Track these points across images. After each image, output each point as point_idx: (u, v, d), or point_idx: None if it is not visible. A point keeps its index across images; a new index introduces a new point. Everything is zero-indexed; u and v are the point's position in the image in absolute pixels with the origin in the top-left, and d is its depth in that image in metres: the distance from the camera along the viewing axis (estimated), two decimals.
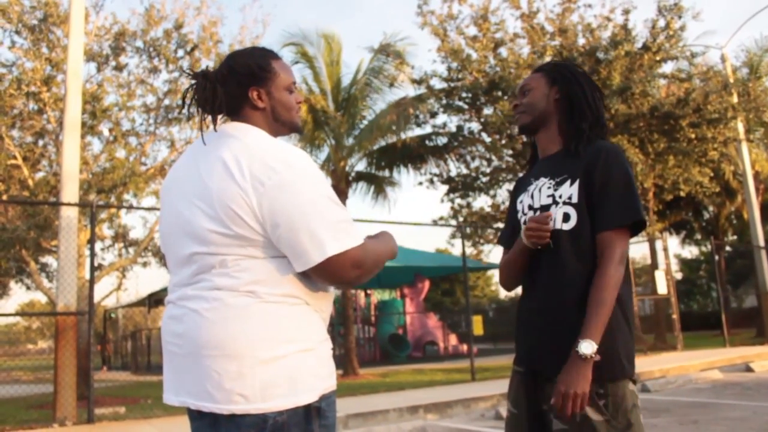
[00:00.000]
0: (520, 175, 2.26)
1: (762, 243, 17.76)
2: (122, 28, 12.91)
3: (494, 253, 38.22)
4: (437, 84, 14.86)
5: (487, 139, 15.50)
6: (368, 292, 22.75)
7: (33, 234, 11.56)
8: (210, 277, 1.51)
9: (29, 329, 59.22)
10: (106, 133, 13.20)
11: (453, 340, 21.99)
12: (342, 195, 13.50)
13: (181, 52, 13.11)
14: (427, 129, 16.09)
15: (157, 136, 13.76)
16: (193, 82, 1.65)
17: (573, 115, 2.00)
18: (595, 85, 2.06)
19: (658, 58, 13.91)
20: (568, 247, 1.87)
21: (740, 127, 16.30)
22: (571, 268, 1.86)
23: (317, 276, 1.52)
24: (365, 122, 14.43)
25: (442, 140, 16.12)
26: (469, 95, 14.60)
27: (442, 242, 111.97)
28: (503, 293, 42.79)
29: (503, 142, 14.96)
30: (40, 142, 12.87)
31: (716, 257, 19.60)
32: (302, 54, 14.45)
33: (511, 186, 15.79)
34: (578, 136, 1.97)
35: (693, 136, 14.04)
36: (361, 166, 15.57)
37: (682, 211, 21.79)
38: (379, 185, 15.93)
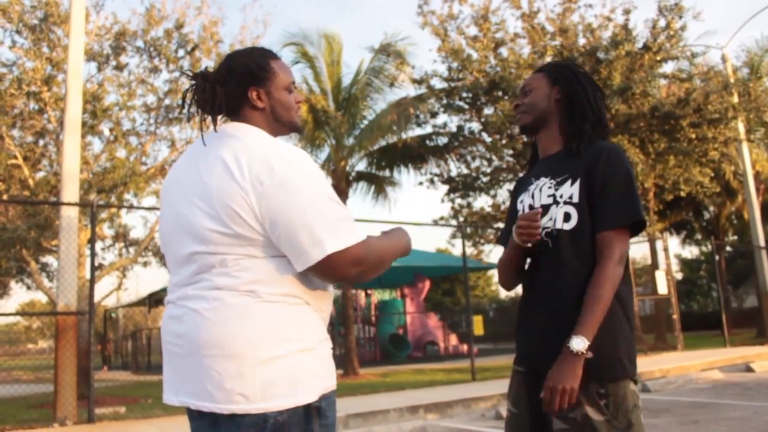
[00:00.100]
0: (521, 175, 2.26)
1: (762, 243, 17.75)
2: (123, 28, 12.92)
3: (494, 253, 38.21)
4: (438, 84, 14.88)
5: (488, 139, 15.50)
6: (368, 292, 22.75)
7: (33, 234, 11.57)
8: (210, 277, 1.51)
9: (30, 329, 59.23)
10: (106, 132, 13.21)
11: (453, 340, 21.99)
12: (342, 195, 13.50)
13: (181, 52, 13.11)
14: (428, 129, 16.11)
15: (158, 136, 13.78)
16: (192, 82, 1.65)
17: (574, 115, 2.00)
18: (597, 85, 2.06)
19: (658, 58, 13.91)
20: (568, 247, 1.87)
21: (741, 127, 16.30)
22: (571, 268, 1.85)
23: (318, 274, 1.52)
24: (366, 122, 14.43)
25: (442, 140, 16.13)
26: (470, 95, 14.59)
27: (442, 242, 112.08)
28: (503, 293, 42.83)
29: (504, 142, 14.96)
30: (41, 142, 12.87)
31: (717, 257, 19.61)
32: (303, 54, 14.46)
33: (511, 186, 15.77)
34: (579, 135, 1.97)
35: (693, 136, 14.03)
36: (361, 165, 15.59)
37: (683, 211, 21.79)
38: (379, 185, 15.93)
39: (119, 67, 13.12)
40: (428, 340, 21.33)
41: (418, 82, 14.78)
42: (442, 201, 16.89)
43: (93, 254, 8.29)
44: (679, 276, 36.77)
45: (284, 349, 1.47)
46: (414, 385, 10.25)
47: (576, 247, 1.86)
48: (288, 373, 1.46)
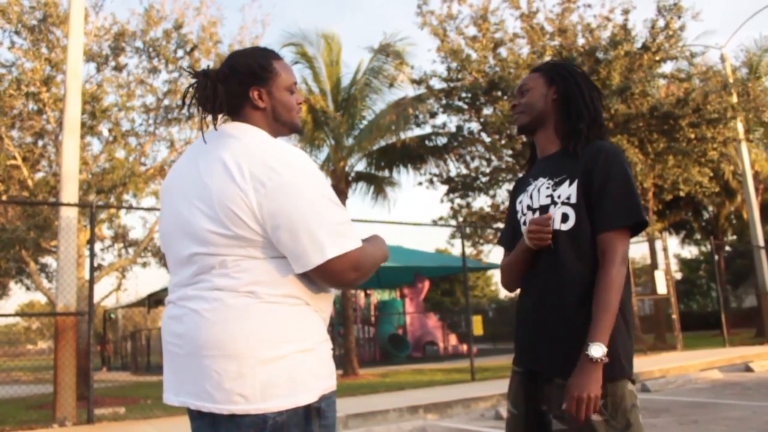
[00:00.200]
0: (520, 175, 2.26)
1: (761, 243, 17.76)
2: (122, 29, 12.91)
3: (494, 253, 38.27)
4: (437, 84, 14.88)
5: (487, 139, 15.51)
6: (368, 292, 22.75)
7: (33, 234, 11.56)
8: (210, 278, 1.51)
9: (29, 330, 59.22)
10: (105, 133, 13.20)
11: (453, 340, 21.99)
12: (342, 195, 13.50)
13: (180, 53, 13.11)
14: (427, 129, 16.12)
15: (157, 137, 13.77)
16: (193, 81, 1.65)
17: (570, 114, 2.00)
18: (594, 85, 2.06)
19: (657, 58, 13.91)
20: (566, 248, 1.87)
21: (740, 127, 16.30)
22: (570, 268, 1.86)
23: (317, 277, 1.52)
24: (365, 122, 14.43)
25: (441, 140, 16.13)
26: (469, 95, 14.60)
27: (441, 242, 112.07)
28: (503, 293, 42.83)
29: (503, 142, 14.96)
30: (40, 143, 12.87)
31: (716, 257, 19.61)
32: (302, 54, 14.46)
33: (510, 186, 15.79)
34: (576, 136, 1.97)
35: (692, 136, 14.04)
36: (360, 166, 15.60)
37: (682, 211, 21.79)
38: (378, 185, 15.94)
39: (118, 68, 13.11)
40: (428, 340, 21.33)
41: (417, 82, 14.78)
42: (442, 201, 16.89)
43: (92, 255, 8.29)
44: (678, 276, 36.78)
45: (284, 349, 1.47)
46: (413, 385, 10.26)
47: (574, 247, 1.86)
48: (288, 374, 1.46)
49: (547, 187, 1.96)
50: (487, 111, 14.97)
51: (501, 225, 15.80)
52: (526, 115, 2.06)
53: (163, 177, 13.37)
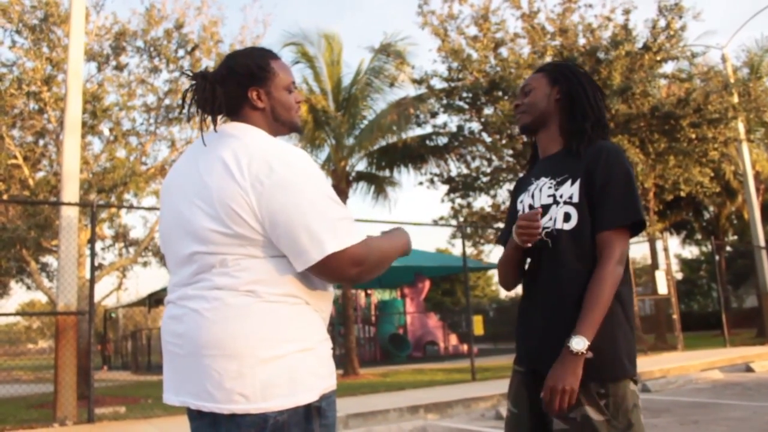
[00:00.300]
0: (521, 175, 2.26)
1: (762, 243, 17.75)
2: (123, 28, 12.92)
3: (494, 253, 38.16)
4: (438, 84, 14.87)
5: (488, 139, 15.50)
6: (368, 291, 22.75)
7: (33, 233, 11.57)
8: (210, 277, 1.51)
9: (30, 329, 59.22)
10: (106, 132, 13.21)
11: (453, 340, 21.99)
12: (342, 195, 13.50)
13: (181, 52, 13.11)
14: (428, 129, 16.11)
15: (158, 136, 13.78)
16: (192, 82, 1.65)
17: (575, 114, 2.00)
18: (597, 85, 2.06)
19: (658, 58, 13.90)
20: (568, 247, 1.87)
21: (741, 127, 16.29)
22: (571, 268, 1.85)
23: (318, 274, 1.52)
24: (366, 122, 14.43)
25: (442, 140, 16.13)
26: (470, 95, 14.59)
27: (442, 242, 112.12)
28: (504, 293, 42.82)
29: (504, 142, 14.95)
30: (41, 142, 12.88)
31: (717, 257, 19.61)
32: (303, 54, 14.46)
33: (511, 186, 15.78)
34: (579, 135, 1.97)
35: (693, 136, 14.03)
36: (361, 166, 15.59)
37: (683, 211, 21.79)
38: (379, 185, 15.93)
39: (119, 67, 13.12)
40: (428, 340, 21.33)
41: (418, 82, 14.78)
42: (442, 201, 16.89)
43: (93, 254, 8.30)
44: (679, 276, 36.77)
45: (284, 348, 1.47)
46: (414, 385, 10.25)
47: (576, 247, 1.86)
48: (288, 373, 1.46)
49: (549, 187, 1.96)
50: (487, 111, 14.96)
51: (501, 225, 15.78)
52: (529, 114, 2.06)
53: (163, 176, 13.37)
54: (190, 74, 1.65)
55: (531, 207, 2.01)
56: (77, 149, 8.35)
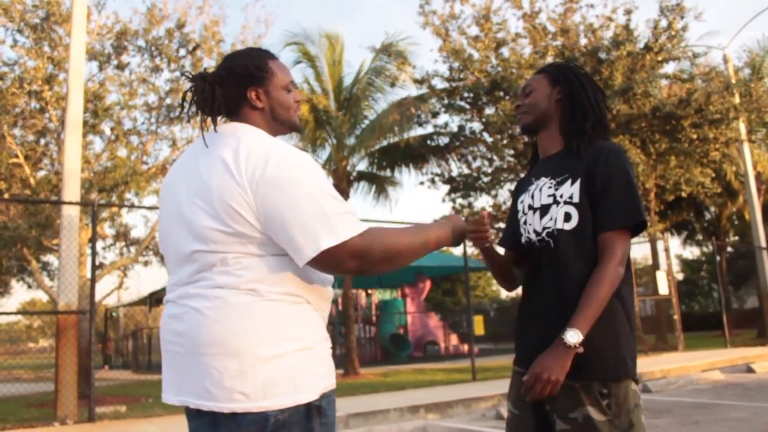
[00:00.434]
0: (522, 175, 2.27)
1: (763, 244, 17.74)
2: (124, 27, 12.92)
3: None
4: (439, 84, 14.86)
5: (489, 139, 15.50)
6: (369, 291, 22.76)
7: (34, 233, 11.57)
8: (211, 276, 1.51)
9: (30, 328, 59.22)
10: (107, 131, 13.22)
11: (454, 339, 21.98)
12: (343, 194, 13.48)
13: (183, 52, 13.12)
14: (429, 129, 16.10)
15: (159, 135, 13.79)
16: (191, 84, 1.66)
17: (575, 114, 2.01)
18: (598, 86, 2.07)
19: (660, 59, 13.89)
20: (569, 247, 1.87)
21: (742, 127, 16.28)
22: (572, 268, 1.85)
23: (318, 268, 1.52)
24: (367, 122, 14.43)
25: (443, 140, 16.12)
26: (471, 95, 14.59)
27: None
28: (504, 293, 42.81)
29: (505, 142, 14.95)
30: (42, 141, 12.88)
31: (718, 258, 19.58)
32: (304, 53, 14.46)
33: (512, 186, 15.79)
34: (580, 135, 1.98)
35: (695, 136, 14.02)
36: (362, 165, 15.59)
37: (684, 211, 21.76)
38: (380, 185, 15.93)
39: (121, 67, 13.12)
40: (429, 340, 21.33)
41: (420, 81, 14.78)
42: (443, 201, 16.89)
43: (94, 253, 8.30)
44: (680, 276, 36.74)
45: (285, 347, 1.47)
46: (414, 384, 10.25)
47: (578, 247, 1.86)
48: (289, 372, 1.46)
49: (549, 187, 1.96)
50: (489, 111, 14.96)
51: (502, 225, 15.79)
52: (530, 115, 2.07)
53: (164, 176, 13.36)
54: (189, 76, 1.67)
55: (530, 207, 2.01)
56: (78, 148, 8.35)
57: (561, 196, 1.91)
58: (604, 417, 1.75)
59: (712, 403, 7.62)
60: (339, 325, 16.24)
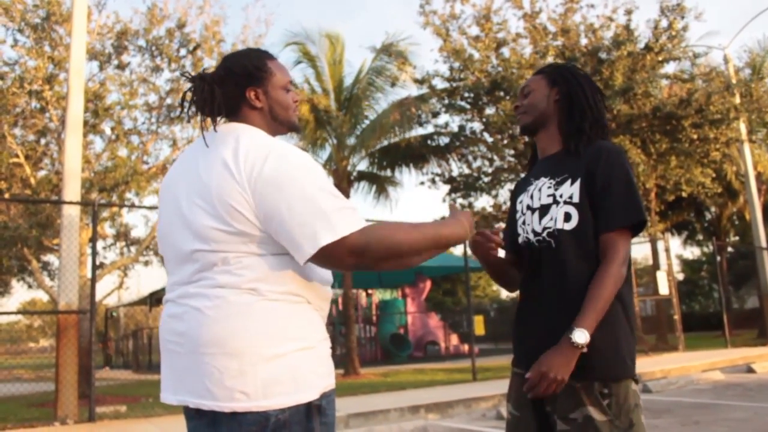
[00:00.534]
0: (522, 175, 2.27)
1: (764, 244, 17.73)
2: (125, 27, 12.93)
3: None
4: (439, 84, 14.87)
5: (489, 139, 15.50)
6: (369, 291, 22.75)
7: (35, 232, 11.58)
8: (212, 275, 1.51)
9: (31, 327, 59.24)
10: (108, 131, 13.23)
11: (454, 340, 21.98)
12: (344, 194, 13.40)
13: (183, 51, 13.13)
14: (429, 129, 16.12)
15: (159, 135, 13.80)
16: (191, 84, 1.67)
17: (573, 114, 2.01)
18: (596, 86, 2.07)
19: (660, 59, 13.89)
20: (570, 247, 1.87)
21: (743, 127, 16.28)
22: (573, 268, 1.85)
23: (320, 264, 1.52)
24: (367, 122, 14.44)
25: (444, 140, 16.13)
26: (471, 95, 14.59)
27: None
28: (504, 293, 42.80)
29: (505, 142, 14.95)
30: (42, 141, 12.89)
31: (718, 258, 19.58)
32: (305, 53, 14.46)
33: (513, 186, 15.77)
34: (578, 135, 1.98)
35: (695, 136, 14.02)
36: (362, 165, 15.60)
37: (684, 211, 21.77)
38: (380, 185, 15.94)
39: (121, 66, 13.13)
40: (429, 340, 21.33)
41: (420, 81, 14.78)
42: (444, 201, 16.91)
43: (94, 253, 8.31)
44: (680, 276, 36.74)
45: (286, 347, 1.47)
46: (415, 384, 10.25)
47: (579, 247, 1.86)
48: (290, 371, 1.46)
49: (549, 187, 1.96)
50: (489, 111, 14.96)
51: (503, 225, 15.77)
52: (529, 115, 2.08)
53: (165, 175, 13.38)
54: (188, 77, 1.67)
55: (529, 207, 2.01)
56: (79, 148, 8.36)
57: (561, 196, 1.91)
58: (605, 417, 1.75)
59: (712, 404, 7.62)
60: (339, 325, 16.25)
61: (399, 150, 15.37)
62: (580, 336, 1.72)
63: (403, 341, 20.02)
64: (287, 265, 1.52)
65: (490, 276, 2.17)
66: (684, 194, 15.54)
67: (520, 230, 2.03)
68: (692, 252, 42.98)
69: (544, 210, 1.94)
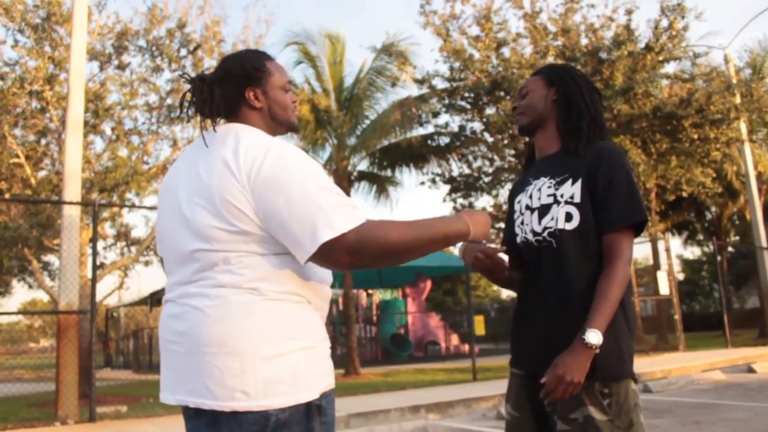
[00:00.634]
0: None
1: (764, 244, 17.73)
2: (125, 27, 12.93)
3: None
4: (440, 84, 14.87)
5: (490, 139, 15.50)
6: (370, 291, 22.75)
7: (35, 232, 11.59)
8: (213, 275, 1.51)
9: (31, 328, 59.26)
10: (108, 131, 13.23)
11: (454, 340, 21.98)
12: None
13: (183, 52, 13.13)
14: (430, 129, 16.11)
15: (160, 135, 13.80)
16: (190, 85, 1.68)
17: (571, 114, 2.01)
18: (594, 87, 2.07)
19: (660, 59, 13.89)
20: (571, 247, 1.86)
21: (743, 127, 16.27)
22: (574, 268, 1.85)
23: (320, 263, 1.52)
24: (368, 122, 14.43)
25: (444, 140, 16.12)
26: (472, 95, 14.59)
27: None
28: (505, 293, 42.79)
29: (505, 141, 14.95)
30: (43, 141, 12.90)
31: (718, 258, 19.57)
32: (305, 53, 14.46)
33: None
34: (576, 134, 1.98)
35: (695, 136, 14.02)
36: (363, 165, 15.59)
37: (685, 211, 21.77)
38: (381, 185, 15.93)
39: (121, 67, 13.13)
40: (429, 340, 21.32)
41: (420, 81, 14.78)
42: (444, 201, 16.88)
43: (95, 253, 8.31)
44: (680, 276, 36.72)
45: (286, 346, 1.48)
46: (415, 384, 10.26)
47: (581, 247, 1.86)
48: (290, 371, 1.47)
49: (549, 186, 1.95)
50: (489, 111, 14.96)
51: (503, 225, 15.78)
52: (527, 116, 2.08)
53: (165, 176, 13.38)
54: (188, 78, 1.68)
55: (528, 207, 2.00)
56: (79, 148, 8.36)
57: (562, 196, 1.91)
58: (605, 417, 1.75)
59: (712, 404, 7.61)
60: (339, 325, 16.25)
61: (399, 150, 15.37)
62: (594, 337, 1.72)
63: (404, 341, 20.02)
64: (288, 264, 1.52)
65: (489, 278, 2.16)
66: (684, 194, 15.54)
67: (518, 230, 2.03)
68: (693, 252, 43.03)
69: (544, 210, 1.94)
